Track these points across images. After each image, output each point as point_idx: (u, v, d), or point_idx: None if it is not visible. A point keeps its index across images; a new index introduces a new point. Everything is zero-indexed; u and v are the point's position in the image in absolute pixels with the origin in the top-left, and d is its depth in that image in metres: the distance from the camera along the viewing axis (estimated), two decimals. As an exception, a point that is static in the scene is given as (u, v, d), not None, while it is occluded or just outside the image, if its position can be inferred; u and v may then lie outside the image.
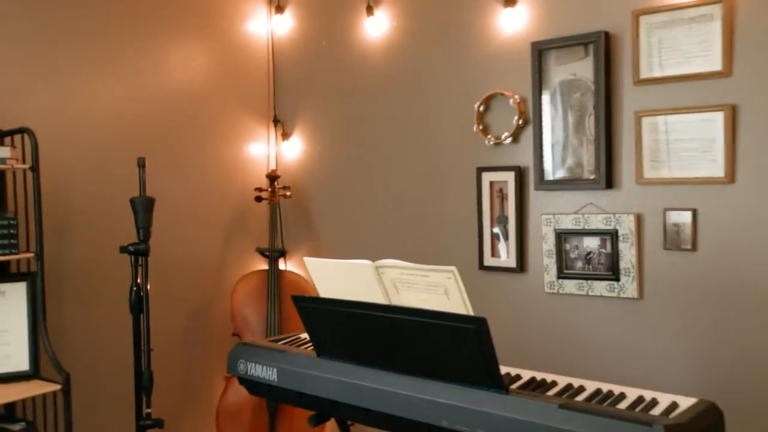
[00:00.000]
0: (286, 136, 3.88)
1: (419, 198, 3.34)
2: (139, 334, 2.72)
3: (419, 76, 3.30)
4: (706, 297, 2.56)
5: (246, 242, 3.78)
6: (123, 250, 2.74)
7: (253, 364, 2.20)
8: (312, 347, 2.10)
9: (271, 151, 3.92)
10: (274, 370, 2.13)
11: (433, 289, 1.73)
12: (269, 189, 3.69)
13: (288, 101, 3.89)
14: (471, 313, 1.71)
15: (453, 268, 1.66)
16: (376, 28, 3.42)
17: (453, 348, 1.70)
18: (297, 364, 2.07)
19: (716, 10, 2.45)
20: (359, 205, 3.58)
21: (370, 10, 3.41)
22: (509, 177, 3.01)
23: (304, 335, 2.39)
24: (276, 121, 3.90)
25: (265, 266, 3.62)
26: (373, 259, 1.89)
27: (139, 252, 2.73)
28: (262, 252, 3.62)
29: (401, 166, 3.39)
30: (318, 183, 3.76)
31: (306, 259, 1.99)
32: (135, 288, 2.72)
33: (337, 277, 1.94)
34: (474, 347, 1.66)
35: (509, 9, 2.95)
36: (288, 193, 3.72)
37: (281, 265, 3.66)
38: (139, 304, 2.71)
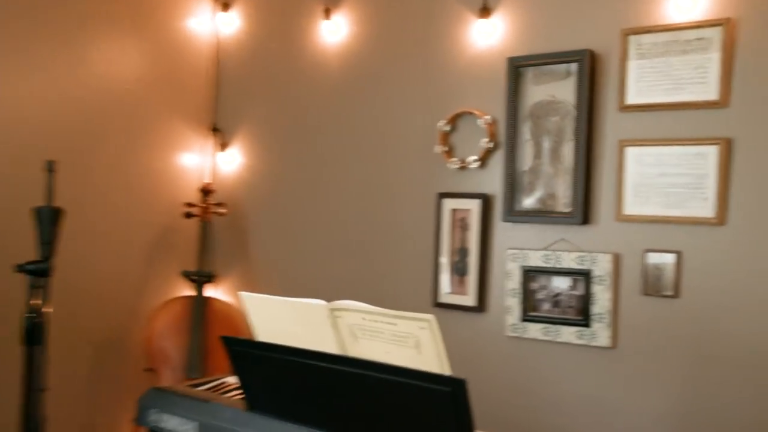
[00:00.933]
0: (224, 146, 3.48)
1: (371, 224, 2.99)
2: (32, 370, 2.26)
3: (379, 89, 2.98)
4: (687, 349, 2.30)
5: (171, 264, 3.35)
6: (20, 268, 2.29)
7: (169, 416, 1.80)
8: (242, 396, 1.72)
9: (207, 162, 3.52)
10: (195, 424, 1.73)
11: (402, 340, 1.39)
12: (201, 204, 3.28)
13: (230, 108, 3.49)
14: (448, 372, 1.37)
15: (431, 316, 1.32)
16: (334, 33, 3.09)
17: (421, 413, 1.36)
18: (222, 419, 1.69)
19: (715, 34, 2.22)
20: (302, 228, 3.21)
21: (327, 13, 3.08)
22: (474, 205, 2.71)
23: (233, 379, 2.01)
24: (215, 130, 3.50)
25: (190, 292, 3.20)
26: (316, 293, 1.57)
27: (39, 271, 2.28)
28: (188, 275, 3.20)
29: (353, 187, 3.05)
30: (257, 201, 3.37)
31: (242, 294, 1.61)
32: (31, 314, 2.26)
33: (280, 318, 1.57)
34: (448, 414, 1.32)
35: (483, 20, 2.67)
36: (222, 211, 3.32)
37: (209, 292, 3.25)
38: (33, 333, 2.26)
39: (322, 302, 1.48)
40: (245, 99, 3.44)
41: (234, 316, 3.15)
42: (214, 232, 3.33)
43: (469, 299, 2.72)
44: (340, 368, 1.43)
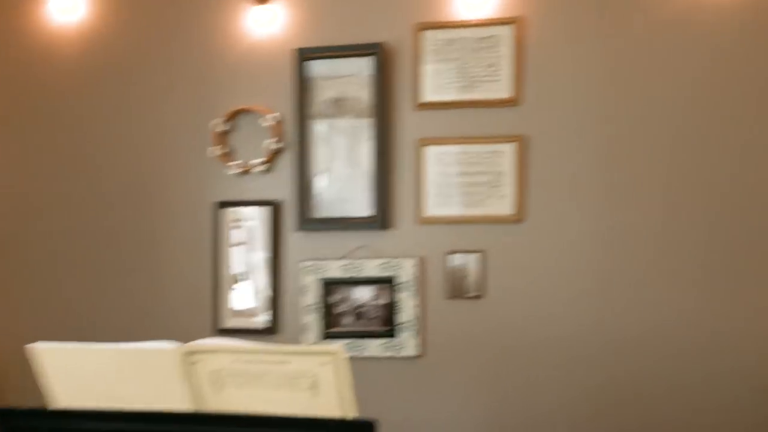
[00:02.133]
0: None
1: (132, 243, 2.49)
2: None
3: (134, 81, 2.49)
4: (495, 349, 2.28)
5: None
6: None
7: None
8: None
9: None
10: None
11: (293, 382, 1.07)
12: None
13: None
14: (352, 414, 1.10)
15: (337, 348, 1.03)
16: (68, 12, 2.52)
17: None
18: None
19: (506, 31, 2.24)
20: (35, 254, 2.56)
21: (57, -13, 2.51)
22: (260, 214, 2.40)
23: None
24: None
25: None
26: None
27: None
28: None
29: (107, 200, 2.51)
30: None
31: (35, 347, 1.12)
32: None
33: (99, 374, 1.12)
34: (352, 467, 1.05)
35: (261, 6, 2.38)
36: None
37: None
38: None
39: (172, 345, 1.08)
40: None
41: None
42: None
43: (260, 321, 2.40)
44: (202, 428, 1.06)
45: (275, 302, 2.40)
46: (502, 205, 2.26)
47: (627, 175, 2.19)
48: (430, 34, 2.28)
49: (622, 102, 2.19)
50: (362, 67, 2.31)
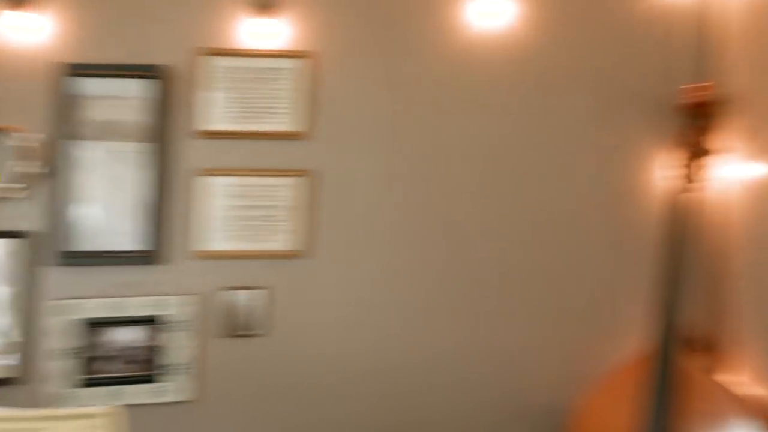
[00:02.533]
0: None
1: None
2: None
3: None
4: (282, 389, 2.21)
5: None
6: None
7: None
8: None
9: None
10: None
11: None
12: None
13: None
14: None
15: (109, 409, 0.90)
16: None
17: None
18: None
19: (298, 64, 2.20)
20: None
21: None
22: (8, 247, 2.07)
23: None
24: None
25: None
26: None
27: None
28: None
29: None
30: None
31: None
32: None
33: None
34: None
35: (16, 12, 2.08)
36: None
37: None
38: None
39: None
40: None
41: None
42: None
43: (5, 369, 2.06)
44: None
45: (22, 347, 2.08)
46: (289, 240, 2.21)
47: (412, 213, 2.27)
48: (214, 61, 2.17)
49: (410, 139, 2.26)
50: (138, 89, 2.12)
